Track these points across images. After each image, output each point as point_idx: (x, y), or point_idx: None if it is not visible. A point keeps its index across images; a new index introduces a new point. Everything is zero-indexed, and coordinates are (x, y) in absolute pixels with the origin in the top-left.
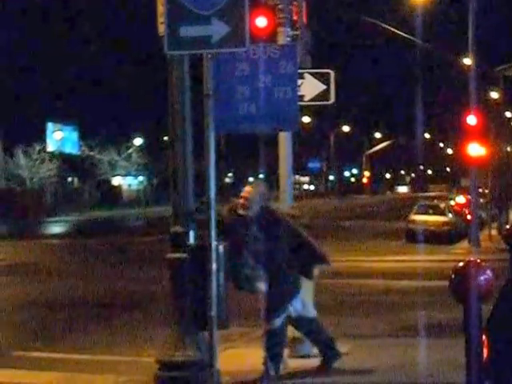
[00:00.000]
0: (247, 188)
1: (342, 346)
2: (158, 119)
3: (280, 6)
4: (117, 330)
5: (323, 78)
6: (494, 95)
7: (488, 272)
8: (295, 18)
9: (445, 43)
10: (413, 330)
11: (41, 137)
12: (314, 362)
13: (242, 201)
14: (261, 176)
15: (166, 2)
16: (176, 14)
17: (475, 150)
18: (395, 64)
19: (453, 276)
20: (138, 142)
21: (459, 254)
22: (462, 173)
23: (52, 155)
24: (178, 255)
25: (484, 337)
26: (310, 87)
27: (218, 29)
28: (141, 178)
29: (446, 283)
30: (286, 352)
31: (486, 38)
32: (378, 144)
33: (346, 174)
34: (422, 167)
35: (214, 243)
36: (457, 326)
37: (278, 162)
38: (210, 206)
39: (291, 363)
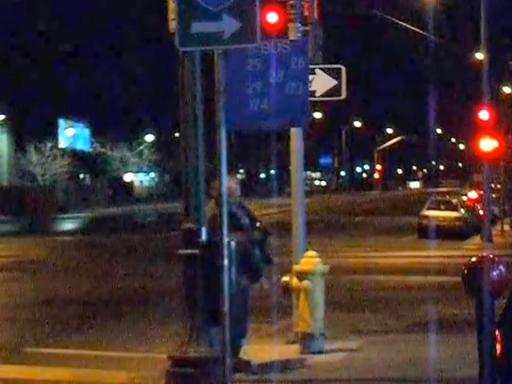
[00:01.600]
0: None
1: (353, 342)
2: (169, 115)
3: (291, 2)
4: (129, 326)
5: (334, 74)
6: (507, 90)
7: (501, 267)
8: (306, 13)
9: (457, 37)
10: (424, 325)
11: (52, 133)
12: (327, 357)
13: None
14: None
15: None
16: (187, 11)
17: (487, 144)
18: (407, 58)
19: (465, 271)
20: (149, 138)
21: (471, 249)
22: (474, 168)
23: (64, 152)
24: (189, 251)
25: (497, 332)
26: (321, 83)
27: (229, 25)
28: (152, 175)
29: (458, 279)
30: (296, 348)
31: (499, 32)
32: (389, 139)
33: (358, 169)
34: (433, 162)
35: (225, 239)
36: (469, 321)
37: (290, 157)
38: (222, 202)
39: (303, 359)
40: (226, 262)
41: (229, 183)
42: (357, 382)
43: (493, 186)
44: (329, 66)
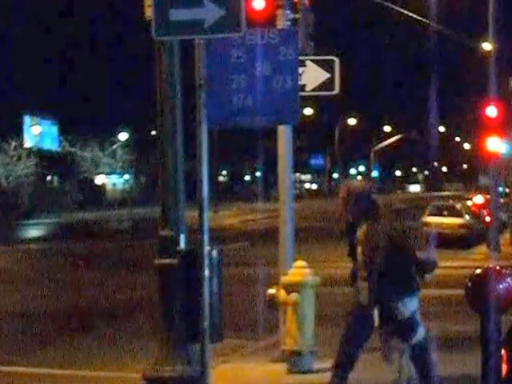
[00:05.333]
0: None
1: None
2: (145, 111)
3: None
4: (100, 343)
5: (327, 66)
6: None
7: (508, 280)
8: None
9: (462, 26)
10: None
11: (17, 132)
12: (316, 377)
13: None
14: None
15: None
16: None
17: (495, 144)
18: (407, 50)
19: (469, 284)
20: (123, 136)
21: (477, 259)
22: (480, 170)
23: (29, 152)
24: (167, 261)
25: (503, 351)
26: (312, 76)
27: (211, 12)
28: (126, 177)
29: (461, 292)
30: (283, 366)
31: (509, 20)
32: (387, 138)
33: (352, 171)
34: (436, 164)
35: (206, 248)
36: (473, 338)
37: (277, 158)
38: (203, 208)
39: (290, 379)
40: (206, 272)
41: None
42: None
43: (501, 189)
44: (321, 57)
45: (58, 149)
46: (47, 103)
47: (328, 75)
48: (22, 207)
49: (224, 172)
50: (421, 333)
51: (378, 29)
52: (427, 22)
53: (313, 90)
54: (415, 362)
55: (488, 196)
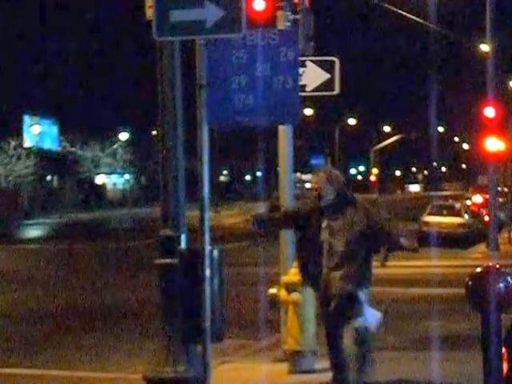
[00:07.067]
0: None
1: None
2: (145, 111)
3: None
4: (100, 343)
5: (327, 67)
6: None
7: (508, 278)
8: (296, 0)
9: (461, 27)
10: (425, 342)
11: (17, 131)
12: (318, 377)
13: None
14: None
15: None
16: None
17: (493, 144)
18: (406, 51)
19: (469, 283)
20: (123, 136)
21: (476, 258)
22: (479, 170)
23: (29, 151)
24: (168, 261)
25: (504, 349)
26: (312, 76)
27: (211, 12)
28: (127, 177)
29: (461, 290)
30: (284, 366)
31: (506, 21)
32: (387, 139)
33: (352, 171)
34: (435, 164)
35: (207, 248)
36: (474, 337)
37: (278, 158)
38: (204, 208)
39: (291, 379)
40: (207, 272)
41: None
42: None
43: (499, 189)
44: (321, 58)
45: (58, 148)
46: (47, 103)
47: (328, 76)
48: (22, 207)
49: (225, 172)
50: (367, 320)
51: (377, 29)
52: (427, 23)
53: (313, 91)
54: (357, 347)
55: (487, 195)
